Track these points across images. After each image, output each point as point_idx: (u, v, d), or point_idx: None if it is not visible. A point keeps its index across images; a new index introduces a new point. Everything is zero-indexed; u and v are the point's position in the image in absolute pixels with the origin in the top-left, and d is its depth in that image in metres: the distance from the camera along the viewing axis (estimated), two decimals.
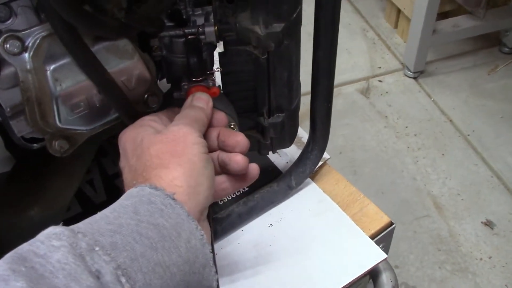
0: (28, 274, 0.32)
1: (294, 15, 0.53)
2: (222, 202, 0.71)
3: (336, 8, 0.53)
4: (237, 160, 0.50)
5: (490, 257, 1.67)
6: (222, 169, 0.52)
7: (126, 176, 0.47)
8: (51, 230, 0.36)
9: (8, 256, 0.34)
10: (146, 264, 0.36)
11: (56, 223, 0.64)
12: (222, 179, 0.52)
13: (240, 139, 0.51)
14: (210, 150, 0.51)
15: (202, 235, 0.40)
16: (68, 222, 0.66)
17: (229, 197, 0.71)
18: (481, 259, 1.67)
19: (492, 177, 1.89)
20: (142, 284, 0.36)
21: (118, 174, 0.77)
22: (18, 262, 0.33)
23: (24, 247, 0.35)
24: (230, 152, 0.51)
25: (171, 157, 0.44)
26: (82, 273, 0.33)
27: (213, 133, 0.52)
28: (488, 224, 1.76)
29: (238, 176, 0.52)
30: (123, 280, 0.35)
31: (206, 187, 0.44)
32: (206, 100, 0.52)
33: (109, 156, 0.80)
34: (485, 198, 1.83)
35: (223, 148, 0.52)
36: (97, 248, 0.35)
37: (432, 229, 1.75)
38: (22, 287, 0.31)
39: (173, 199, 0.40)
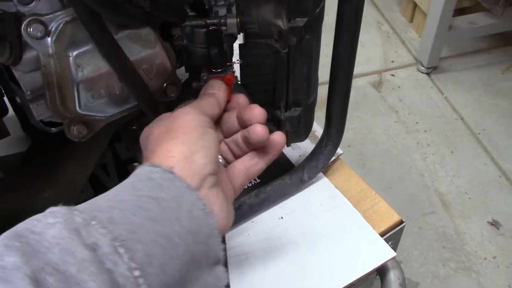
0: (22, 249, 0.32)
1: (317, 10, 0.53)
2: None
3: (360, 3, 0.53)
4: (256, 130, 0.49)
5: (494, 257, 1.67)
6: (247, 145, 0.51)
7: None
8: (49, 209, 0.36)
9: (4, 234, 0.34)
10: (145, 235, 0.36)
11: (70, 205, 0.65)
12: (250, 156, 0.52)
13: (255, 110, 0.50)
14: (233, 131, 0.51)
15: (204, 205, 0.40)
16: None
17: None
18: (485, 258, 1.67)
19: (500, 177, 1.88)
20: (142, 255, 0.35)
21: (131, 160, 0.78)
22: (13, 239, 0.33)
23: (21, 225, 0.35)
24: (249, 125, 0.50)
25: (166, 134, 0.44)
26: (77, 246, 0.33)
27: (234, 115, 0.52)
28: (494, 224, 1.75)
29: (264, 148, 0.51)
30: (121, 250, 0.34)
31: (203, 155, 0.43)
32: (218, 85, 0.52)
33: (122, 142, 0.80)
34: (493, 198, 1.83)
35: (242, 125, 0.51)
36: (93, 223, 0.35)
37: (438, 226, 1.75)
38: (15, 261, 0.31)
39: (172, 172, 0.40)
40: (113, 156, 0.78)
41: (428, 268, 1.64)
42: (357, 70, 2.19)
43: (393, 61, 2.27)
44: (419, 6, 2.23)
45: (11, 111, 0.67)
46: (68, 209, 0.36)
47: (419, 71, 2.21)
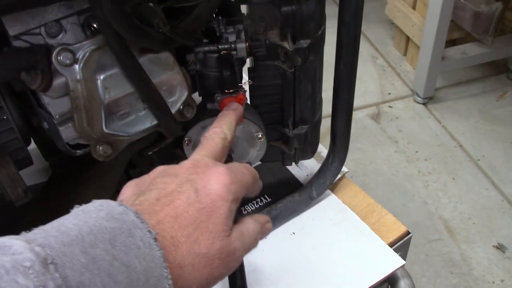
0: None
1: (319, 32, 0.58)
2: (246, 211, 0.75)
3: (358, 24, 0.58)
4: None
5: (502, 281, 1.68)
6: None
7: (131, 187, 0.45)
8: (23, 254, 0.31)
9: None
10: None
11: None
12: None
13: None
14: None
15: (169, 285, 0.37)
16: None
17: (252, 207, 0.75)
18: (493, 282, 1.68)
19: (502, 201, 1.91)
20: None
21: None
22: None
23: None
24: None
25: (192, 206, 0.41)
26: None
27: None
28: (500, 247, 1.77)
29: None
30: None
31: (208, 245, 0.40)
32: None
33: (138, 168, 0.84)
34: (496, 222, 1.85)
35: None
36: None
37: (444, 252, 1.76)
38: None
39: (154, 238, 0.37)
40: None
41: None
42: (355, 103, 2.23)
43: (390, 93, 2.33)
44: (412, 39, 2.31)
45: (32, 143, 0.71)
46: (42, 262, 0.31)
47: (415, 101, 2.27)
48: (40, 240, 0.32)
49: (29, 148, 0.67)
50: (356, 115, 2.23)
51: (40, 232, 0.34)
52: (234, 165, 0.45)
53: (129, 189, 0.44)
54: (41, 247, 0.32)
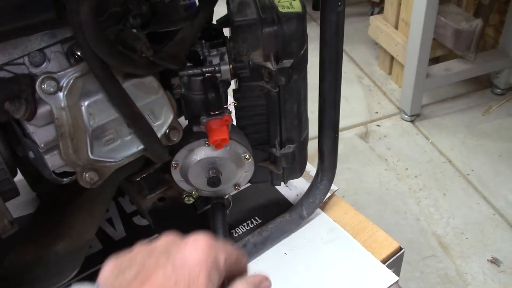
0: None
1: (302, 52, 0.58)
2: (236, 234, 0.74)
3: (339, 44, 0.58)
4: None
5: None
6: None
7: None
8: None
9: None
10: None
11: (80, 257, 0.67)
12: None
13: None
14: None
15: None
16: (89, 258, 0.69)
17: (243, 229, 0.75)
18: None
19: (494, 215, 1.91)
20: None
21: (136, 212, 0.81)
22: None
23: None
24: None
25: None
26: None
27: None
28: (494, 261, 1.76)
29: None
30: None
31: None
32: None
33: (126, 196, 0.84)
34: (490, 236, 1.85)
35: None
36: None
37: (439, 268, 1.76)
38: None
39: None
40: (118, 210, 0.81)
41: None
42: (343, 123, 2.27)
43: (377, 112, 2.35)
44: (396, 58, 2.34)
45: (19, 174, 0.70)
46: None
47: (403, 119, 2.29)
48: None
49: (15, 179, 0.67)
50: (344, 135, 2.24)
51: None
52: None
53: (109, 267, 0.42)
54: None
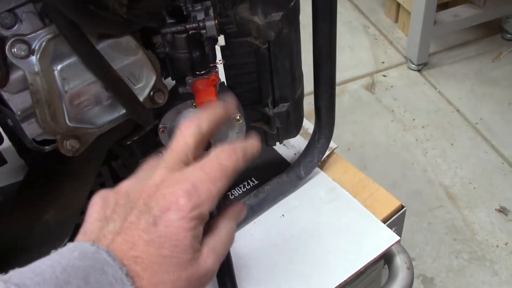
0: None
1: (292, 3, 0.54)
2: (233, 196, 0.72)
3: None
4: None
5: (506, 244, 1.66)
6: None
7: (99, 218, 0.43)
8: None
9: None
10: None
11: (71, 226, 0.66)
12: None
13: None
14: None
15: None
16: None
17: (239, 191, 0.72)
18: (497, 246, 1.66)
19: (503, 163, 1.88)
20: None
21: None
22: None
23: None
24: None
25: (146, 220, 0.39)
26: None
27: None
28: (502, 210, 1.75)
29: None
30: None
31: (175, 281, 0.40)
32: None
33: (119, 160, 0.81)
34: (498, 185, 1.83)
35: None
36: None
37: (447, 219, 1.75)
38: None
39: (126, 274, 0.37)
40: (111, 174, 0.79)
41: (441, 262, 1.63)
42: (348, 74, 2.22)
43: (383, 62, 2.29)
44: (403, 5, 2.26)
45: (7, 140, 0.68)
46: None
47: (410, 69, 2.23)
48: (15, 280, 0.33)
49: (3, 146, 0.64)
50: (350, 86, 2.20)
51: (16, 274, 0.35)
52: (198, 176, 0.41)
53: (95, 209, 0.43)
54: (17, 286, 0.33)
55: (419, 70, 2.21)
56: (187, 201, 0.39)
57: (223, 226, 0.44)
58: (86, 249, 0.38)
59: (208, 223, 0.42)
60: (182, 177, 0.41)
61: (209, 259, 0.41)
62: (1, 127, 0.64)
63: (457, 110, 2.07)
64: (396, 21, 2.42)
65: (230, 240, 0.45)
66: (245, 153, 0.45)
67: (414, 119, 2.06)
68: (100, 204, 0.43)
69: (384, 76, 2.24)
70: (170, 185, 0.40)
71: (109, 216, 0.42)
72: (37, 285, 0.34)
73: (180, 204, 0.39)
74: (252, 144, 0.47)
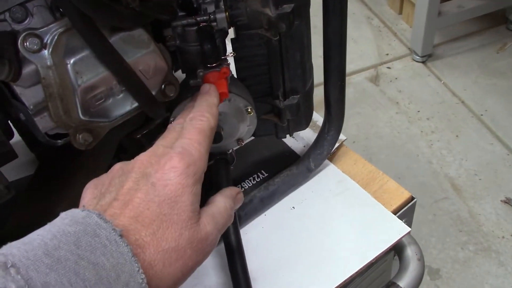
0: None
1: None
2: (243, 189, 0.72)
3: None
4: None
5: None
6: None
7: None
8: None
9: None
10: None
11: None
12: None
13: None
14: None
15: (142, 279, 0.36)
16: None
17: (249, 183, 0.72)
18: (503, 237, 1.66)
19: (508, 155, 1.88)
20: None
21: None
22: None
23: None
24: None
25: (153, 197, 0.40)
26: None
27: None
28: (508, 202, 1.75)
29: None
30: None
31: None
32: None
33: (128, 153, 0.81)
34: (503, 176, 1.83)
35: None
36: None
37: (452, 210, 1.75)
38: None
39: (120, 235, 0.36)
40: None
41: (447, 253, 1.63)
42: (352, 66, 2.21)
43: (387, 54, 2.28)
44: None
45: (17, 135, 0.68)
46: (3, 265, 0.32)
47: (414, 60, 2.22)
48: (3, 251, 0.33)
49: (13, 140, 0.64)
50: (354, 79, 2.19)
51: (5, 246, 0.35)
52: (184, 142, 0.44)
53: (89, 191, 0.44)
54: (3, 255, 0.32)
55: (423, 62, 2.21)
56: (181, 159, 0.41)
57: (220, 200, 0.47)
58: (76, 214, 0.38)
59: (205, 200, 0.44)
60: (170, 146, 0.44)
61: (208, 225, 0.42)
62: (11, 122, 0.65)
63: (462, 102, 2.06)
64: (400, 12, 2.41)
65: (228, 215, 0.46)
66: (211, 110, 0.49)
67: (418, 111, 2.05)
68: (93, 187, 0.45)
69: (389, 68, 2.23)
70: (162, 153, 0.43)
71: (104, 191, 0.43)
72: (24, 253, 0.33)
73: (175, 163, 0.41)
74: (209, 94, 0.51)
